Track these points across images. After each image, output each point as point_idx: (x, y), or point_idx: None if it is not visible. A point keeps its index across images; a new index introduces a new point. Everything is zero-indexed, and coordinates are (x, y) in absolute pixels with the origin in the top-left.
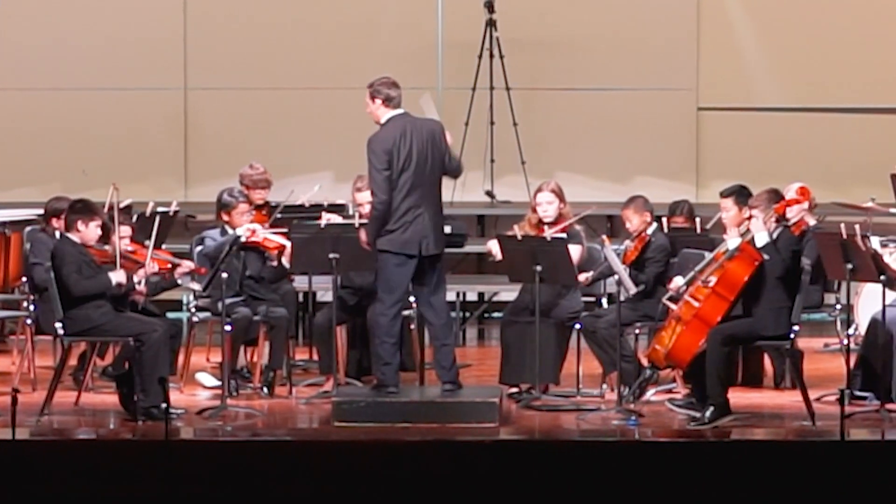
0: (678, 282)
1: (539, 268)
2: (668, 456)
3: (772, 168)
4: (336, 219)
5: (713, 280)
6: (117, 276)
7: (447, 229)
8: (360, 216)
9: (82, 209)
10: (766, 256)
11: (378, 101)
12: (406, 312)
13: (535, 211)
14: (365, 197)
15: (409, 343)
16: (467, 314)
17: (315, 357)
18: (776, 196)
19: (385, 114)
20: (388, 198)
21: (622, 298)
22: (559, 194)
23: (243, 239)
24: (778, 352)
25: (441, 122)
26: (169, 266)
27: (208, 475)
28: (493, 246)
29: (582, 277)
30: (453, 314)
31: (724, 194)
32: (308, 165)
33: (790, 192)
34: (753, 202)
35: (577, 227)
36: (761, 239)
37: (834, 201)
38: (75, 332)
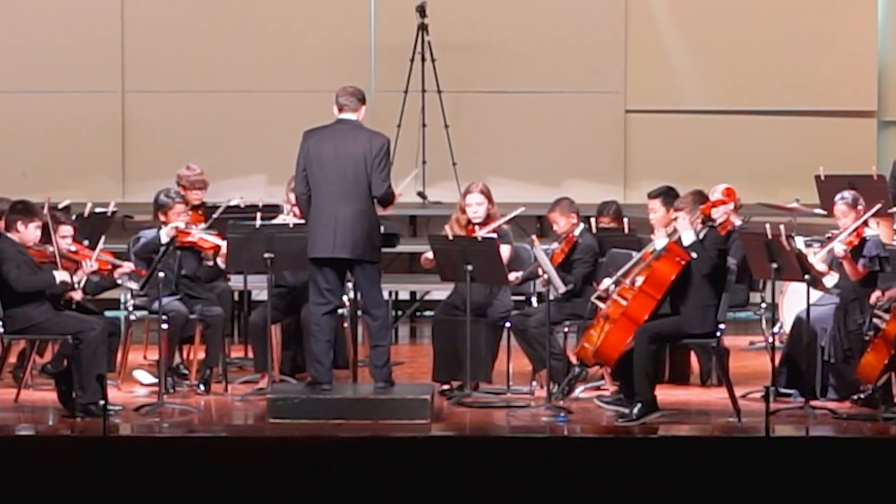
0: (607, 282)
1: (470, 267)
2: (596, 452)
3: (699, 169)
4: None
5: (640, 279)
6: (61, 275)
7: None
8: (295, 216)
9: (23, 210)
10: (693, 255)
11: (335, 107)
12: (340, 311)
13: (463, 212)
14: None
15: (343, 341)
16: (400, 313)
17: (250, 355)
18: (701, 198)
19: (335, 116)
20: (301, 192)
21: (551, 298)
22: (487, 195)
23: (166, 239)
24: (704, 349)
25: (385, 138)
26: (109, 267)
27: (145, 471)
28: (429, 256)
29: (512, 277)
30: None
31: (651, 195)
32: (243, 167)
33: (716, 194)
34: (678, 205)
35: (506, 227)
36: (688, 238)
37: (759, 202)
38: (15, 331)
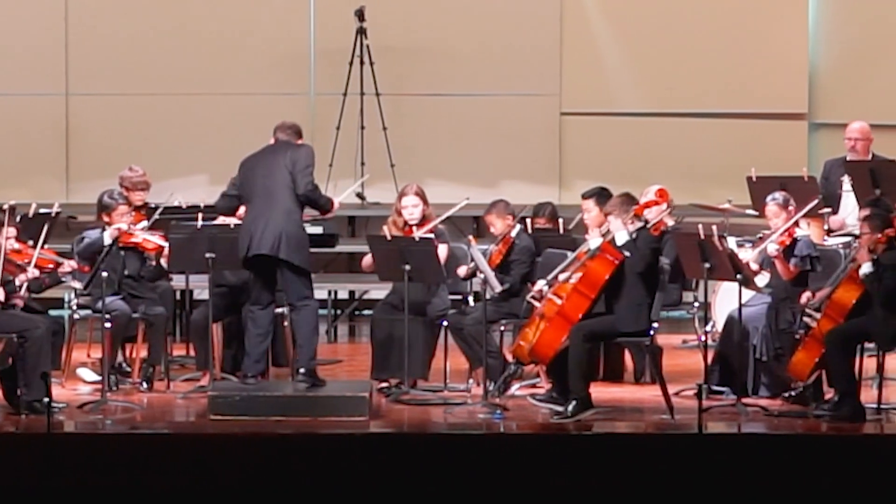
0: (541, 282)
1: (408, 267)
2: (531, 448)
3: (632, 171)
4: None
5: (575, 278)
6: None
7: (318, 230)
8: (238, 217)
9: None
10: (626, 254)
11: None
12: (279, 310)
13: (399, 214)
14: None
15: (282, 339)
16: (339, 311)
17: (192, 353)
18: (629, 201)
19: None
20: (222, 206)
21: (488, 297)
22: (422, 197)
23: (109, 241)
24: (638, 348)
25: (307, 146)
26: (52, 265)
27: (89, 467)
28: (368, 260)
29: (462, 270)
30: (325, 311)
31: (585, 196)
32: (185, 168)
33: (648, 195)
34: (607, 209)
35: (442, 227)
36: (621, 237)
37: (692, 203)
38: None
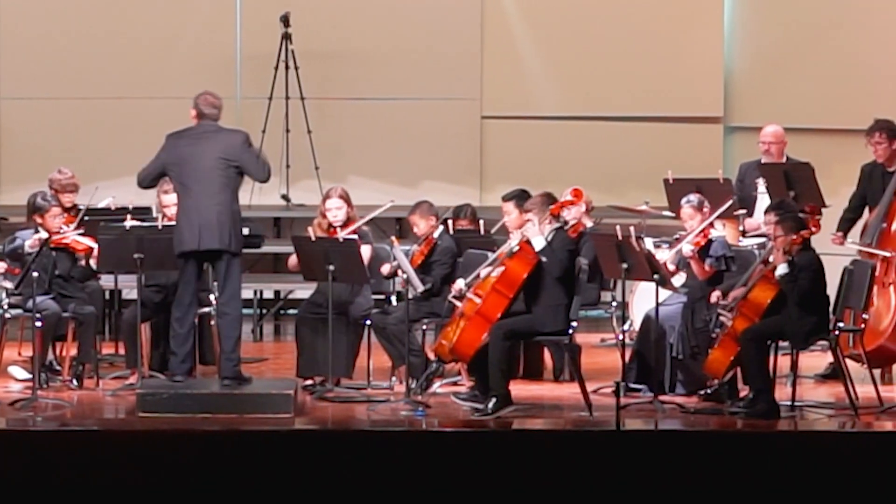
0: (461, 282)
1: (332, 267)
2: (453, 445)
3: (552, 173)
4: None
5: (494, 278)
6: None
7: (245, 231)
8: (165, 217)
9: None
10: (544, 259)
11: (193, 112)
12: (206, 309)
13: (324, 216)
14: (170, 199)
15: (210, 338)
16: (264, 311)
17: (121, 351)
18: (550, 200)
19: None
20: (143, 180)
21: (410, 297)
22: (346, 199)
23: (29, 244)
24: (557, 346)
25: (242, 133)
26: None
27: (19, 464)
28: (293, 259)
29: (386, 268)
30: (250, 311)
31: (505, 199)
32: (114, 171)
33: (565, 195)
34: (528, 206)
35: (366, 228)
36: (538, 243)
37: (610, 204)
38: None
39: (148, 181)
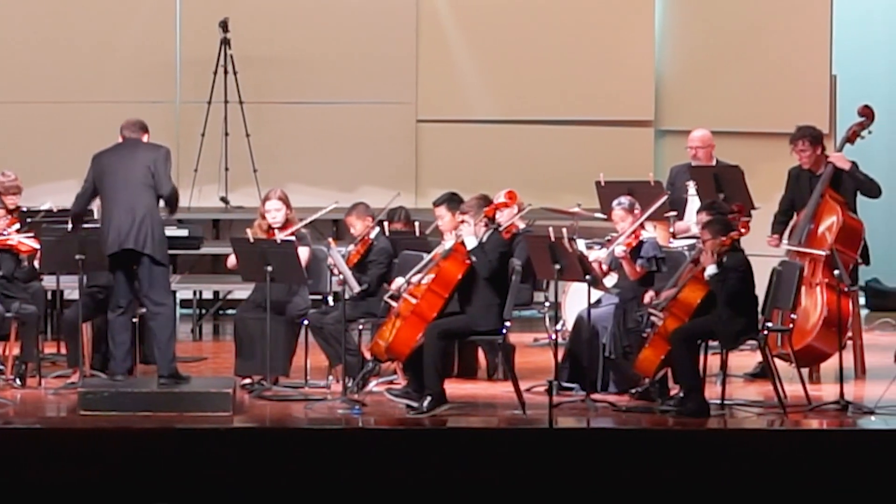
0: (398, 282)
1: (270, 268)
2: (389, 442)
3: (486, 176)
4: None
5: (429, 279)
6: None
7: (183, 232)
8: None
9: None
10: (473, 259)
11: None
12: (144, 309)
13: (264, 217)
14: None
15: (150, 338)
16: (203, 311)
17: (63, 351)
18: (485, 202)
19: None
20: (78, 209)
21: (347, 297)
22: (285, 201)
23: None
24: (491, 346)
25: (165, 147)
26: None
27: None
28: (232, 259)
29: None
30: (189, 311)
31: (436, 203)
32: (56, 173)
33: (499, 197)
34: (464, 208)
35: (304, 230)
36: (470, 243)
37: (543, 207)
38: None
39: (83, 202)
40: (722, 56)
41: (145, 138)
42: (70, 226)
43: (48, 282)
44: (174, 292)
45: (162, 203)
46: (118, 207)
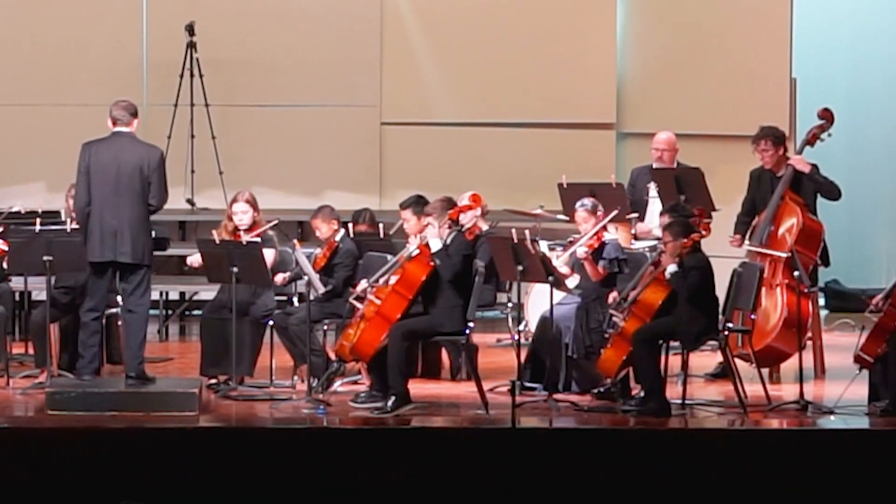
0: (363, 284)
1: (235, 269)
2: (353, 442)
3: (450, 178)
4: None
5: (393, 280)
6: None
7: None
8: (73, 221)
9: None
10: (437, 262)
11: (109, 120)
12: (113, 310)
13: (230, 219)
14: None
15: (117, 338)
16: (170, 311)
17: (30, 351)
18: (449, 204)
19: (111, 129)
20: (84, 203)
21: (312, 298)
22: (252, 203)
23: None
24: (454, 346)
25: (160, 150)
26: None
27: None
28: (196, 259)
29: (279, 278)
30: (156, 311)
31: (402, 206)
32: (24, 176)
33: (463, 200)
34: (429, 210)
35: (271, 232)
36: (434, 245)
37: (506, 208)
38: None
39: (84, 200)
40: (683, 59)
41: (135, 124)
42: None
43: (16, 283)
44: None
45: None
46: (106, 211)
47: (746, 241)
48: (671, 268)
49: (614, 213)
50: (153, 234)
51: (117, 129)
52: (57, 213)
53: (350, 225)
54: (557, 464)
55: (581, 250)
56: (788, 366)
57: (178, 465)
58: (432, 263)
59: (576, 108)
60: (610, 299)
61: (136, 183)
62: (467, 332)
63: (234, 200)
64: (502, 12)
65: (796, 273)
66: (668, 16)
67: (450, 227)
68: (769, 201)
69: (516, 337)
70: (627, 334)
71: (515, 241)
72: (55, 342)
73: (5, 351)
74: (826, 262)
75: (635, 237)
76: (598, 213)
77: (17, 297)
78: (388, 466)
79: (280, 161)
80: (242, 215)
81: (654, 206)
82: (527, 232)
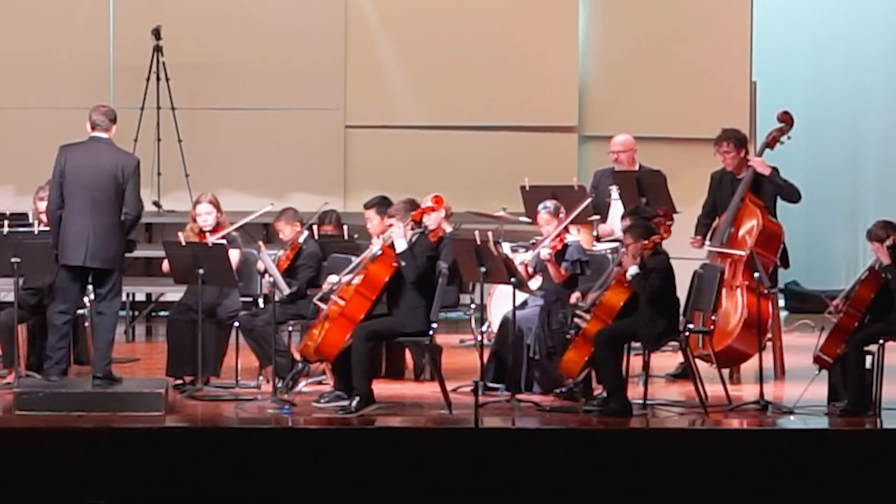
0: (326, 286)
1: (201, 271)
2: (318, 441)
3: (413, 181)
4: None
5: (357, 281)
6: None
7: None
8: (41, 223)
9: None
10: (402, 264)
11: (88, 124)
12: (81, 311)
13: (195, 221)
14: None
15: (84, 339)
16: (136, 313)
17: None
18: (412, 206)
19: (89, 134)
20: (56, 206)
21: (277, 299)
22: (216, 205)
23: None
24: (418, 347)
25: (136, 159)
26: None
27: None
28: (167, 264)
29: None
30: (123, 313)
31: (367, 206)
32: None
33: (426, 201)
34: (391, 211)
35: (235, 233)
36: (399, 246)
37: (469, 210)
38: None
39: (57, 203)
40: (644, 63)
41: (114, 130)
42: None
43: None
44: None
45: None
46: (80, 216)
47: (707, 242)
48: (632, 270)
49: (575, 213)
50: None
51: (95, 133)
52: (25, 216)
53: (315, 226)
54: (520, 463)
55: (544, 252)
56: (748, 366)
57: (145, 464)
58: (396, 264)
59: (538, 111)
60: (572, 300)
61: (111, 190)
62: (431, 332)
63: (198, 202)
64: (465, 16)
65: (756, 274)
66: (630, 20)
67: (413, 229)
68: (730, 203)
69: (479, 338)
70: (589, 335)
71: (478, 242)
72: (23, 343)
73: None
74: (786, 264)
75: (597, 239)
76: (561, 215)
77: None
78: (352, 466)
79: (245, 164)
80: (206, 216)
81: (616, 208)
82: (490, 234)
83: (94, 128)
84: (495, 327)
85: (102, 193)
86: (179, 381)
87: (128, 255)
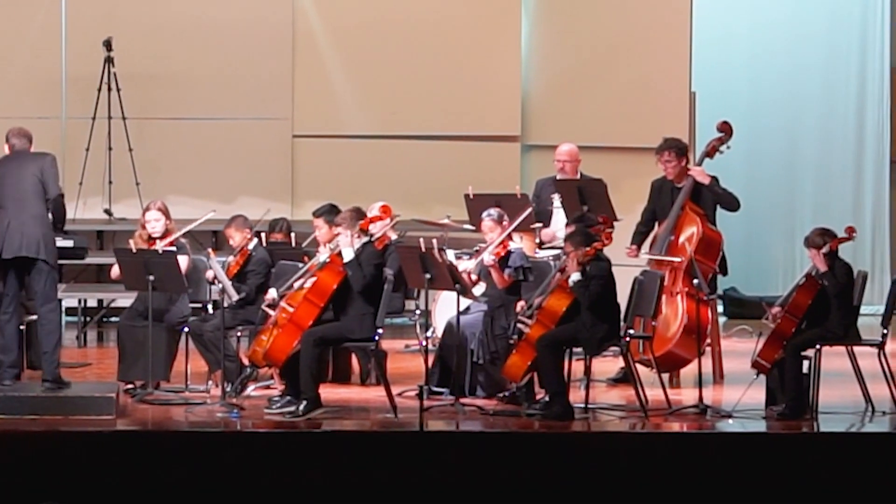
0: (274, 292)
1: (152, 277)
2: (266, 444)
3: (360, 189)
4: None
5: (306, 288)
6: None
7: (69, 243)
8: None
9: None
10: (349, 272)
11: (6, 146)
12: (33, 317)
13: (144, 227)
14: None
15: (37, 344)
16: (88, 318)
17: None
18: (358, 215)
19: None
20: None
21: (226, 305)
22: (165, 212)
23: None
24: (364, 352)
25: (52, 155)
26: None
27: None
28: (115, 270)
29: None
30: (75, 318)
31: (315, 214)
32: None
33: (373, 210)
34: (338, 220)
35: (183, 240)
36: (347, 255)
37: (414, 218)
38: None
39: None
40: (586, 73)
41: (31, 147)
42: None
43: None
44: (60, 300)
45: (50, 216)
46: (13, 218)
47: (643, 251)
48: (574, 276)
49: (518, 220)
50: (72, 243)
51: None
52: None
53: (265, 234)
54: (464, 466)
55: (487, 258)
56: (688, 371)
57: (96, 467)
58: (344, 272)
59: (482, 121)
60: (518, 307)
61: (38, 186)
62: (376, 338)
63: (147, 209)
64: (410, 28)
65: (695, 281)
66: (572, 30)
67: (360, 237)
68: (670, 211)
69: (424, 343)
70: (532, 340)
71: (423, 250)
72: None
73: None
74: (724, 271)
75: (539, 245)
76: (504, 222)
77: None
78: (299, 468)
79: (195, 172)
80: (155, 223)
81: (559, 216)
82: (434, 241)
83: (11, 149)
84: (440, 333)
85: (31, 192)
86: (130, 386)
87: (79, 261)
